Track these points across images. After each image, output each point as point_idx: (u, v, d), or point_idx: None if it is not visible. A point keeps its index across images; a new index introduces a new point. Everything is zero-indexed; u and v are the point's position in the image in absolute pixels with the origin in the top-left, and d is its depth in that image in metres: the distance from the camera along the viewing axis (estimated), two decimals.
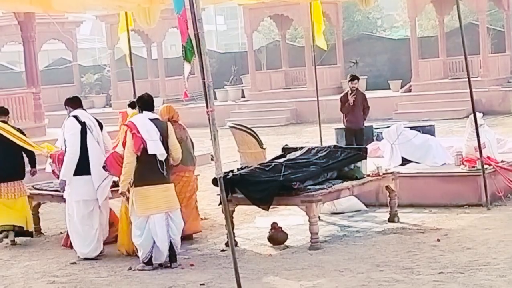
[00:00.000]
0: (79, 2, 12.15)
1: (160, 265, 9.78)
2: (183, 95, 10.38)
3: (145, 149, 9.57)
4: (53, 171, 11.37)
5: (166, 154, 9.70)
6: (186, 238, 10.69)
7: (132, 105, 11.42)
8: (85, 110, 10.90)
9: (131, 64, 15.05)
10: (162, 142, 9.70)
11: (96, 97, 36.07)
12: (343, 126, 15.65)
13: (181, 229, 9.91)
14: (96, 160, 10.42)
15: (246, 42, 33.27)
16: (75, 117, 10.59)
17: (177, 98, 31.11)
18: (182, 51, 8.53)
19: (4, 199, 11.74)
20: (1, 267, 10.47)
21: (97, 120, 10.83)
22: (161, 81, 33.20)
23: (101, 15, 33.30)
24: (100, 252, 10.60)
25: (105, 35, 37.88)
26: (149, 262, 9.72)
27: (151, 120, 9.81)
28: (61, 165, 10.78)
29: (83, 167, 10.41)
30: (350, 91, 15.27)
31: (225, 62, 34.56)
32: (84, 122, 10.53)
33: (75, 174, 10.43)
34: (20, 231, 11.78)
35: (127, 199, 9.98)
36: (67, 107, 10.91)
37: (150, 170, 9.59)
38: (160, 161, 9.64)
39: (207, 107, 8.27)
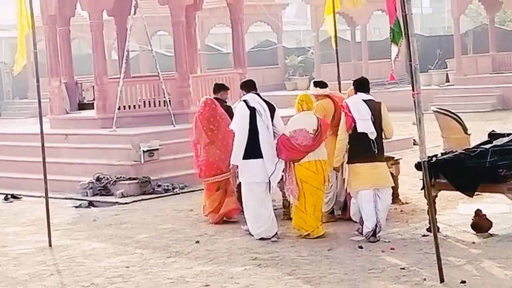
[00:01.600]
0: None
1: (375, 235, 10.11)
2: (389, 77, 10.43)
3: (356, 128, 10.14)
4: None
5: (376, 133, 10.14)
6: None
7: (318, 85, 11.60)
8: (257, 94, 10.95)
9: (336, 46, 15.09)
10: (374, 122, 10.13)
11: (299, 79, 36.49)
12: None
13: (388, 206, 10.38)
14: (266, 144, 10.63)
15: (453, 25, 32.51)
16: (245, 101, 10.80)
17: (380, 81, 30.97)
18: (390, 33, 8.50)
19: None
20: (207, 242, 10.84)
21: (269, 104, 10.90)
22: (364, 64, 33.11)
23: None
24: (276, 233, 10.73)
25: (309, 17, 38.24)
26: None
27: (364, 101, 10.29)
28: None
29: (253, 151, 10.60)
30: None
31: (429, 46, 33.95)
32: (253, 107, 10.69)
33: (246, 157, 10.64)
34: None
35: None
36: (242, 90, 11.20)
37: (361, 148, 10.16)
38: (371, 139, 10.14)
39: (413, 90, 8.19)
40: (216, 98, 12.41)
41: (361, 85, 10.54)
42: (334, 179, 11.33)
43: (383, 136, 10.32)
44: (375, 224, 10.13)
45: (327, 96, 11.49)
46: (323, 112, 11.04)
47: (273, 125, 10.77)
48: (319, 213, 10.59)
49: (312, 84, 11.81)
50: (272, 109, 10.83)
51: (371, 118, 10.15)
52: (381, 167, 10.27)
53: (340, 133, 10.35)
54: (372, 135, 10.11)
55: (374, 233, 10.16)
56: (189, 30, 19.88)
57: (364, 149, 10.14)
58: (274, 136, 10.74)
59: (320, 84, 11.66)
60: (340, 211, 11.49)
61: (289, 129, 10.60)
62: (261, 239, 10.62)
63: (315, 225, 10.56)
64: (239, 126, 10.74)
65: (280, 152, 10.57)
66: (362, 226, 10.28)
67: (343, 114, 10.34)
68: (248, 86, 11.12)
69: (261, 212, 10.72)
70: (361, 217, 10.29)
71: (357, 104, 10.22)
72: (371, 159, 10.15)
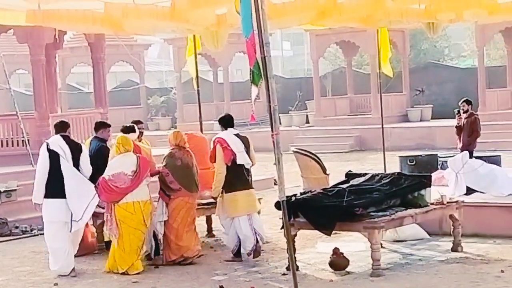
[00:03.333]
0: (149, 24, 12.32)
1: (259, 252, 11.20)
2: (249, 118, 10.75)
3: (234, 160, 10.99)
4: None
5: (251, 163, 11.18)
6: (188, 261, 11.23)
7: (124, 130, 11.91)
8: (66, 135, 11.22)
9: (198, 87, 15.21)
10: (247, 153, 11.14)
11: (162, 119, 36.47)
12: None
13: (262, 226, 11.45)
14: (73, 185, 10.92)
15: (312, 68, 33.34)
16: (47, 144, 11.15)
17: (242, 122, 31.27)
18: (250, 74, 8.61)
19: None
20: (65, 284, 10.62)
21: (76, 145, 11.24)
22: (226, 104, 33.44)
23: (169, 38, 33.74)
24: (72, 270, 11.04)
25: (172, 58, 38.37)
26: (237, 254, 11.22)
27: (235, 135, 11.20)
28: None
29: (55, 191, 10.89)
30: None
31: (290, 88, 34.67)
32: (52, 150, 10.99)
33: (48, 196, 10.96)
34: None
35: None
36: (54, 130, 11.53)
37: (238, 178, 11.06)
38: (246, 169, 11.13)
39: (272, 131, 8.34)
40: (96, 137, 12.30)
41: (228, 121, 11.38)
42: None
43: (251, 164, 11.29)
44: (255, 243, 11.06)
45: None
46: None
47: (80, 166, 11.05)
48: (135, 252, 10.87)
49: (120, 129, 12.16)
50: (78, 151, 11.12)
51: (245, 150, 11.09)
52: (253, 194, 11.34)
53: (219, 167, 11.01)
54: (248, 165, 11.12)
55: (257, 250, 11.03)
56: (49, 69, 19.60)
57: (241, 178, 11.07)
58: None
59: (125, 130, 12.02)
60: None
61: (108, 173, 10.96)
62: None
63: (131, 261, 10.83)
64: (38, 167, 11.15)
65: (100, 194, 10.94)
66: (235, 253, 11.25)
67: (220, 148, 10.96)
68: (57, 127, 11.41)
69: (57, 250, 11.01)
70: (237, 244, 11.18)
71: (232, 139, 11.08)
72: (247, 187, 11.17)
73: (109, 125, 12.54)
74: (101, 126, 12.45)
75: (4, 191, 15.09)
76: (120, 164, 10.94)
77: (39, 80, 17.96)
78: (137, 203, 10.82)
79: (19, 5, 10.94)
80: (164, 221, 11.20)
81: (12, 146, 17.63)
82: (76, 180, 10.93)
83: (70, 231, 10.94)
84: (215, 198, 11.26)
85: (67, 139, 11.15)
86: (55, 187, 10.88)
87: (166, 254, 11.24)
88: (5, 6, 11.36)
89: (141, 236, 10.91)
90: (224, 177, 10.96)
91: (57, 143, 11.06)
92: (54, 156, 10.93)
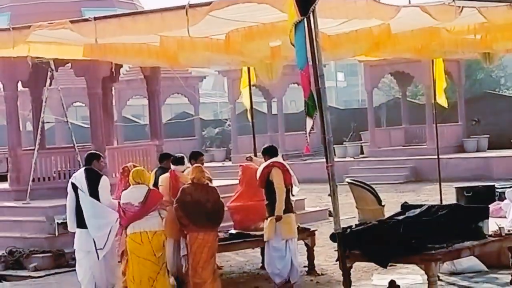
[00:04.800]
0: (204, 57, 12.40)
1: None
2: (304, 149, 10.66)
3: (290, 184, 11.54)
4: None
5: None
6: None
7: (174, 161, 12.22)
8: (89, 168, 11.50)
9: (252, 118, 15.27)
10: None
11: (217, 151, 36.61)
12: None
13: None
14: (90, 216, 11.25)
15: (366, 98, 33.23)
16: (71, 177, 11.67)
17: (296, 153, 31.31)
18: (305, 106, 8.63)
19: None
20: None
21: (92, 177, 11.38)
22: (281, 136, 33.46)
23: (223, 70, 33.96)
24: None
25: (226, 90, 38.60)
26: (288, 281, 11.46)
27: None
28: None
29: (80, 222, 11.35)
30: None
31: (344, 119, 34.57)
32: (73, 183, 11.46)
33: (77, 227, 11.46)
34: None
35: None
36: None
37: (289, 201, 11.56)
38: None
39: (327, 162, 8.34)
40: (161, 167, 12.51)
41: (274, 151, 11.86)
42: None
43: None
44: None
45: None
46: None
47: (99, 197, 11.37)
48: (146, 282, 10.72)
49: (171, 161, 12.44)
50: (95, 183, 11.35)
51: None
52: None
53: (280, 187, 11.38)
54: (296, 189, 11.72)
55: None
56: (106, 102, 19.84)
57: (290, 201, 11.59)
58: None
59: (177, 162, 12.33)
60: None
61: (121, 201, 11.11)
62: None
63: None
64: (67, 199, 11.56)
65: (120, 218, 11.07)
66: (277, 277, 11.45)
67: (278, 171, 11.40)
68: (85, 160, 11.85)
69: (82, 278, 11.44)
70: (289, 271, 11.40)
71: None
72: (293, 210, 11.63)
73: (170, 156, 12.80)
74: (164, 157, 12.80)
75: (61, 223, 15.23)
76: (129, 195, 11.01)
77: (95, 113, 18.19)
78: (145, 233, 10.71)
79: (76, 40, 11.10)
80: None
81: (70, 178, 17.77)
82: (93, 209, 11.25)
83: (98, 259, 11.19)
84: (279, 219, 11.36)
85: (87, 171, 11.48)
86: (79, 217, 11.34)
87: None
88: (63, 41, 11.54)
89: (153, 267, 10.72)
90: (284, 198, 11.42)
91: (77, 175, 11.56)
92: (75, 189, 11.40)
